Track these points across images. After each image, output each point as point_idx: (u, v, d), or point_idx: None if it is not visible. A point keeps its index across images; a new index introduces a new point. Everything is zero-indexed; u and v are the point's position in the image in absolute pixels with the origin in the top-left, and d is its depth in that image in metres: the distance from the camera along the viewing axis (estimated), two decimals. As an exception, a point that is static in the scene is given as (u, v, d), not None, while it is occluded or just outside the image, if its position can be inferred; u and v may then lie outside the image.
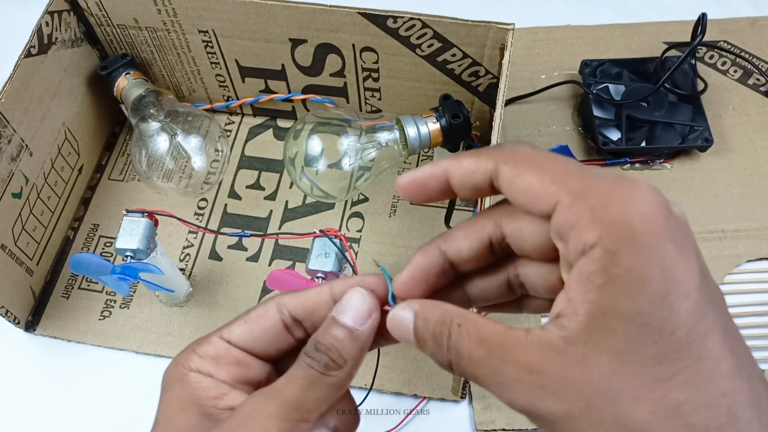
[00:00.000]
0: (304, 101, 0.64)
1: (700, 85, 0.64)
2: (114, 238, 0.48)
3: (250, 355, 0.28)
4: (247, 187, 0.64)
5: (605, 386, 0.21)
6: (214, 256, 0.60)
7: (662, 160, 0.63)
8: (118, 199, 0.63)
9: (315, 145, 0.55)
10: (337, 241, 0.47)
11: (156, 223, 0.50)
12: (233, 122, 0.68)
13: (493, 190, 0.25)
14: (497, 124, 0.47)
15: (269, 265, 0.59)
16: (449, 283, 0.28)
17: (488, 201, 0.43)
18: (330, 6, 0.53)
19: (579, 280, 0.22)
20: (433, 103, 0.56)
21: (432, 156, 0.63)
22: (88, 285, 0.59)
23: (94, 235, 0.61)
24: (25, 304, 0.57)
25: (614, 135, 0.62)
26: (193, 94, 0.67)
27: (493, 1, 0.74)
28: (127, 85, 0.60)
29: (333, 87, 0.62)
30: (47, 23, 0.56)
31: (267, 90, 0.64)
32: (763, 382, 0.22)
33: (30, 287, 0.57)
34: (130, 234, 0.48)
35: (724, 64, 0.69)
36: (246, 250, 0.60)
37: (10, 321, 0.54)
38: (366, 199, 0.62)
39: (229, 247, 0.60)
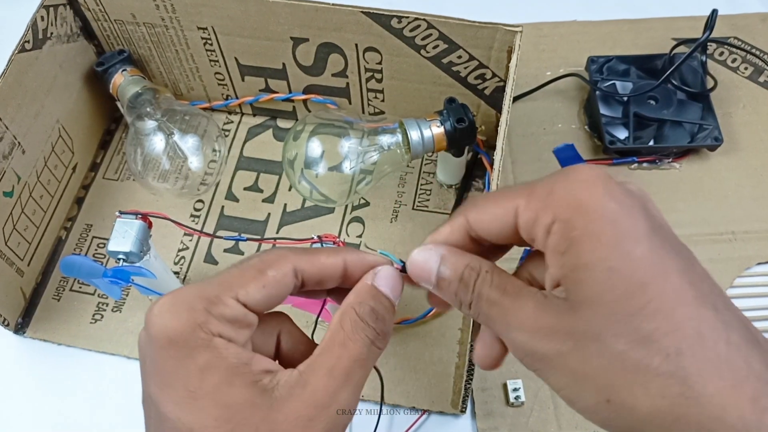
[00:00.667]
0: (305, 101, 0.62)
1: (710, 83, 0.63)
2: (107, 239, 0.47)
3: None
4: (244, 188, 0.62)
5: (589, 328, 0.24)
6: (210, 259, 0.58)
7: (671, 160, 0.61)
8: (112, 198, 0.62)
9: (315, 147, 0.54)
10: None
11: (150, 225, 0.48)
12: (232, 122, 0.66)
13: (476, 241, 0.29)
14: (503, 129, 0.45)
15: (266, 269, 0.58)
16: None
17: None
18: (333, 4, 0.52)
19: (551, 255, 0.25)
20: (437, 105, 0.55)
21: (435, 160, 0.61)
22: (80, 287, 0.57)
23: (87, 235, 0.60)
24: (15, 305, 0.55)
25: (621, 134, 0.61)
26: (191, 93, 0.65)
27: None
28: (124, 82, 0.59)
29: (335, 87, 0.60)
30: (42, 18, 0.54)
31: (267, 89, 0.62)
32: (731, 312, 0.24)
33: (20, 288, 0.55)
34: (122, 236, 0.47)
35: (734, 61, 0.67)
36: (242, 254, 0.58)
37: (-1, 323, 0.53)
38: (367, 204, 0.60)
39: (225, 250, 0.59)
